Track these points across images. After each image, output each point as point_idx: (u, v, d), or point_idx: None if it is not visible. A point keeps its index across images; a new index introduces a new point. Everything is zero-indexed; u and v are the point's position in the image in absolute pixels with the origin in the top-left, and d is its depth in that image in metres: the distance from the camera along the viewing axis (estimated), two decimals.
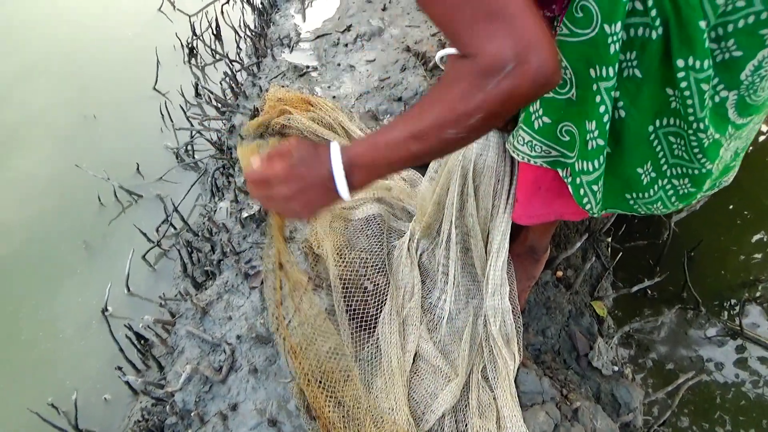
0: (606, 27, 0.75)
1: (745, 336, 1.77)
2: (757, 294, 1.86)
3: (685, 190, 0.91)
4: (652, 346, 1.77)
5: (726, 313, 1.83)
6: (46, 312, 1.76)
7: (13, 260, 1.88)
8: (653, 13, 0.73)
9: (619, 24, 0.74)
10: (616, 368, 1.27)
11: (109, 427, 1.51)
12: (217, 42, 2.58)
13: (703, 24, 0.71)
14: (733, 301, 1.85)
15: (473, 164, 1.09)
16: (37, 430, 1.46)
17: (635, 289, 1.65)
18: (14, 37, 2.76)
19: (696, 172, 0.86)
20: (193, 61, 2.58)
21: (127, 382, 1.47)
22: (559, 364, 1.27)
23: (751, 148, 2.25)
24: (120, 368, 1.49)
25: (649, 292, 1.88)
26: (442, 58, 1.11)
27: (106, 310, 1.70)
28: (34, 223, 1.97)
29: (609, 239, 1.90)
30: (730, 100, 0.80)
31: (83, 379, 1.59)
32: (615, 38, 0.75)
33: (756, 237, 2.04)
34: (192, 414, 1.16)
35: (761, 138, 2.38)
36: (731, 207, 2.12)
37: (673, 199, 0.93)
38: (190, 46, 2.57)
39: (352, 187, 0.71)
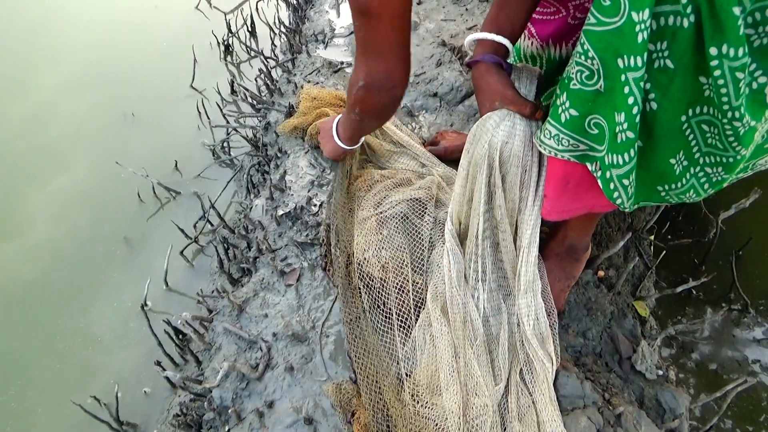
0: (634, 15, 0.72)
1: None
2: None
3: (718, 177, 0.87)
4: (697, 349, 1.71)
5: None
6: (87, 307, 1.80)
7: (56, 256, 1.93)
8: (684, 0, 0.69)
9: (647, 11, 0.71)
10: (660, 372, 1.23)
11: (148, 419, 1.54)
12: (252, 39, 2.60)
13: (737, 10, 0.67)
14: None
15: (499, 152, 1.06)
16: (81, 422, 1.51)
17: (680, 289, 1.59)
18: (54, 37, 2.82)
19: (731, 159, 0.82)
20: (228, 58, 2.60)
21: (166, 377, 1.50)
22: (601, 368, 1.23)
23: None
24: (159, 363, 1.52)
25: (694, 292, 1.81)
26: (471, 43, 1.09)
27: (146, 305, 1.73)
28: (77, 220, 2.02)
29: (652, 237, 1.84)
30: None
31: (123, 373, 1.63)
32: (643, 26, 0.72)
33: None
34: (229, 410, 1.17)
35: None
36: None
37: (706, 186, 0.89)
38: (225, 43, 2.59)
39: (345, 143, 1.42)
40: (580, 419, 1.04)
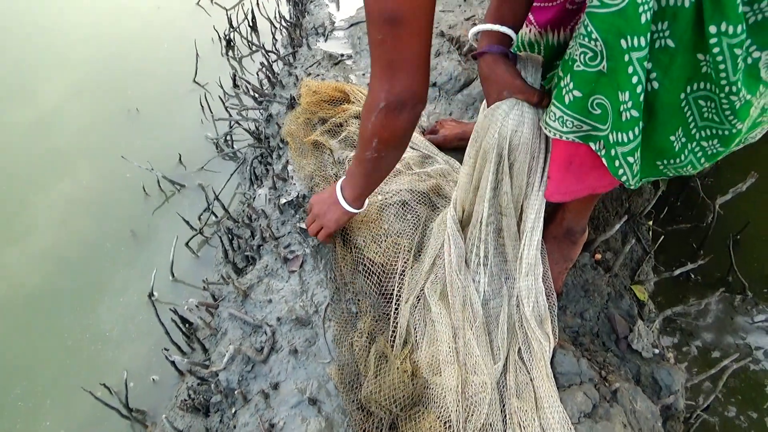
0: None
1: None
2: None
3: (714, 150, 0.90)
4: (696, 332, 1.74)
5: None
6: (94, 304, 1.84)
7: (62, 255, 1.96)
8: None
9: None
10: (656, 351, 1.25)
11: (157, 405, 1.57)
12: (253, 34, 2.63)
13: None
14: None
15: (509, 141, 1.08)
16: (91, 409, 1.54)
17: (677, 272, 1.61)
18: (57, 41, 2.85)
19: (726, 132, 0.85)
20: (230, 53, 2.63)
21: (173, 363, 1.54)
22: (598, 347, 1.26)
23: None
24: (166, 350, 1.55)
25: (693, 276, 1.84)
26: (475, 35, 1.11)
27: (153, 295, 1.76)
28: (83, 218, 2.05)
29: (650, 222, 1.86)
30: (763, 60, 0.79)
31: (132, 361, 1.66)
32: (646, 7, 0.74)
33: None
34: (236, 392, 1.20)
35: None
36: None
37: (702, 160, 0.92)
38: (227, 38, 2.62)
39: (352, 206, 1.27)
40: (577, 395, 1.06)
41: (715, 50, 0.75)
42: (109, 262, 1.92)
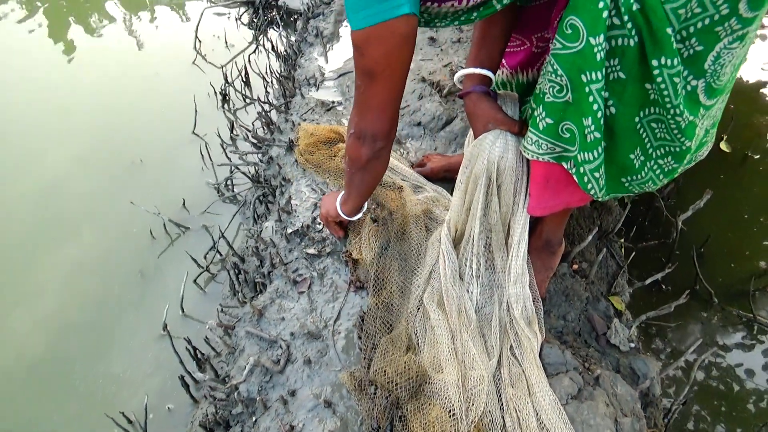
0: (591, 39, 0.93)
1: (757, 322, 1.88)
2: (767, 283, 1.98)
3: (669, 167, 1.08)
4: (671, 337, 1.89)
5: (738, 302, 1.95)
6: (111, 335, 1.94)
7: (78, 291, 2.07)
8: (629, 25, 0.91)
9: (602, 36, 0.92)
10: (632, 345, 1.40)
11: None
12: (246, 88, 2.83)
13: (669, 30, 0.89)
14: (746, 291, 1.96)
15: (497, 166, 1.26)
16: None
17: (648, 281, 1.78)
18: (62, 101, 3.02)
19: (677, 149, 1.03)
20: (225, 106, 2.82)
21: (188, 389, 1.64)
22: (581, 344, 1.40)
23: (750, 153, 2.40)
24: (182, 377, 1.65)
25: (664, 287, 2.01)
26: (459, 78, 1.30)
27: (166, 327, 1.87)
28: (98, 253, 2.17)
29: (622, 240, 2.05)
30: (700, 87, 0.98)
31: (148, 392, 1.75)
32: (600, 48, 0.93)
33: (762, 230, 2.17)
34: (256, 401, 1.31)
35: (765, 143, 2.53)
36: (736, 204, 2.26)
37: (661, 176, 1.10)
38: (223, 92, 2.82)
39: (341, 209, 1.49)
40: (563, 380, 1.20)
41: (659, 80, 0.94)
42: (118, 307, 2.03)
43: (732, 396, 1.76)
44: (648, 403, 1.36)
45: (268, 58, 3.01)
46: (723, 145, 2.50)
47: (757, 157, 2.45)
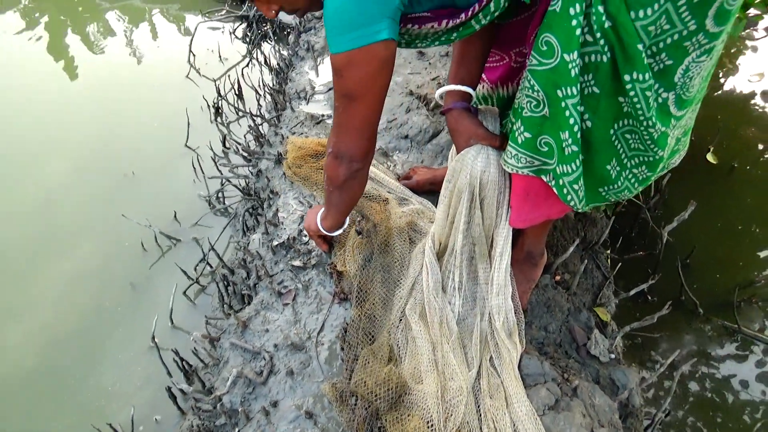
0: (565, 56, 0.95)
1: (742, 333, 1.89)
2: (752, 294, 1.99)
3: (644, 175, 1.11)
4: (656, 347, 1.90)
5: (724, 313, 1.96)
6: (101, 347, 1.95)
7: (70, 303, 2.09)
8: (601, 42, 0.93)
9: (576, 53, 0.95)
10: (612, 356, 1.41)
11: None
12: (239, 101, 2.86)
13: (640, 46, 0.92)
14: (731, 301, 1.97)
15: (479, 180, 1.28)
16: None
17: (633, 292, 1.79)
18: (56, 118, 3.05)
19: (651, 158, 1.06)
20: (219, 119, 2.85)
21: (174, 400, 1.65)
22: (561, 355, 1.41)
23: (737, 164, 2.43)
24: (169, 388, 1.66)
25: (650, 297, 2.02)
26: (441, 95, 1.33)
27: (154, 339, 1.88)
28: (89, 266, 2.19)
29: (608, 251, 2.06)
30: (671, 99, 1.00)
31: (134, 403, 1.76)
32: (574, 64, 0.95)
33: (748, 241, 2.19)
34: (239, 412, 1.32)
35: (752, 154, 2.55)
36: (722, 215, 2.28)
37: (636, 184, 1.13)
38: (215, 106, 2.85)
39: (327, 230, 1.50)
40: (541, 391, 1.21)
41: (631, 93, 0.97)
42: (110, 319, 2.04)
43: (717, 406, 1.77)
44: (628, 414, 1.37)
45: (261, 71, 3.04)
46: (710, 157, 2.52)
47: (744, 168, 2.48)
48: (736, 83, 2.99)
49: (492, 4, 1.04)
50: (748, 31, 3.28)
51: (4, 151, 2.80)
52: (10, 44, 3.67)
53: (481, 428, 1.19)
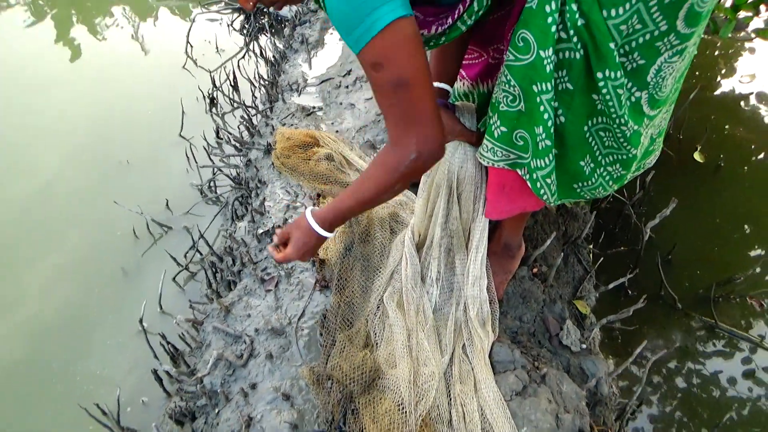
0: (541, 52, 0.98)
1: (719, 328, 1.92)
2: (730, 291, 2.03)
3: (618, 174, 1.14)
4: (632, 340, 1.93)
5: (702, 309, 1.99)
6: (91, 333, 1.99)
7: (62, 289, 2.13)
8: (575, 39, 0.96)
9: (551, 49, 0.97)
10: (584, 346, 1.45)
11: (147, 424, 1.71)
12: (234, 92, 2.89)
13: (612, 45, 0.95)
14: (710, 297, 2.01)
15: (456, 175, 1.32)
16: (87, 427, 1.68)
17: (611, 286, 1.83)
18: (52, 106, 3.09)
19: (624, 157, 1.09)
20: (213, 110, 2.89)
21: (161, 382, 1.69)
22: (534, 344, 1.45)
23: (724, 164, 2.46)
24: (155, 371, 1.70)
25: (630, 292, 2.05)
26: None
27: (142, 322, 1.92)
28: (82, 254, 2.23)
29: (590, 246, 2.10)
30: (643, 98, 1.03)
31: (123, 386, 1.80)
32: (549, 60, 0.98)
33: (728, 239, 2.22)
34: (219, 393, 1.37)
35: (739, 154, 2.58)
36: (705, 213, 2.31)
37: (610, 182, 1.16)
38: (211, 96, 2.88)
39: (327, 230, 1.25)
40: (509, 377, 1.25)
41: (604, 91, 1.00)
42: (100, 305, 2.08)
43: (694, 398, 1.80)
44: (597, 402, 1.41)
45: (257, 63, 3.07)
46: (697, 156, 2.55)
47: (730, 167, 2.51)
48: (728, 84, 3.01)
49: (476, 3, 1.04)
50: (743, 33, 3.30)
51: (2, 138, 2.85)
52: (13, 33, 3.71)
53: (450, 412, 1.23)
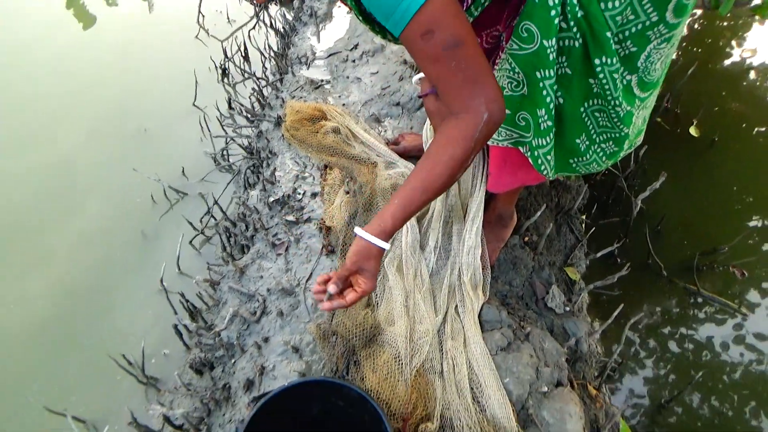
0: (545, 42, 1.07)
1: (701, 294, 2.05)
2: (714, 260, 2.14)
3: (611, 150, 1.24)
4: (617, 305, 2.07)
5: (687, 277, 2.12)
6: (115, 293, 2.15)
7: (85, 249, 2.28)
8: (574, 29, 1.05)
9: (554, 39, 1.06)
10: (567, 308, 1.58)
11: (169, 373, 1.88)
12: (245, 62, 2.98)
13: (608, 34, 1.04)
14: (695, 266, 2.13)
15: None
16: (113, 382, 1.85)
17: (600, 254, 1.95)
18: (72, 78, 3.20)
19: (617, 135, 1.20)
20: (225, 80, 2.99)
21: (180, 336, 1.85)
22: (522, 306, 1.59)
23: (718, 138, 2.53)
24: (176, 326, 1.86)
25: (620, 260, 2.18)
26: (417, 81, 1.46)
27: (162, 283, 2.08)
28: (104, 218, 2.37)
29: (584, 217, 2.21)
30: (634, 81, 1.13)
31: (146, 340, 1.96)
32: (552, 49, 1.07)
33: (716, 212, 2.32)
34: (235, 346, 1.52)
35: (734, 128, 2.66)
36: (696, 186, 2.41)
37: (604, 158, 1.26)
38: (222, 67, 2.98)
39: (386, 240, 1.09)
40: (495, 335, 1.39)
41: (600, 75, 1.09)
42: (123, 266, 2.23)
43: (670, 357, 1.94)
44: (577, 359, 1.55)
45: (267, 34, 3.15)
46: (692, 130, 2.63)
47: (724, 142, 2.58)
48: (729, 58, 3.06)
49: None
50: (745, 8, 3.32)
51: (23, 108, 2.97)
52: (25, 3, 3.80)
53: (441, 364, 1.38)
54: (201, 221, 2.30)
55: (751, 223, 2.28)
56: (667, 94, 2.70)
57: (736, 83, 2.94)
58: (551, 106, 1.14)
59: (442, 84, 0.98)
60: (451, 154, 1.02)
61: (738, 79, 2.96)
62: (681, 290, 2.10)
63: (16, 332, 2.04)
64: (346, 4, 1.09)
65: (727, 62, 3.04)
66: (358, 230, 1.10)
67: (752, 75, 2.97)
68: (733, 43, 3.17)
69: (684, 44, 3.22)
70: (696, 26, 3.44)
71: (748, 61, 3.03)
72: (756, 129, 2.67)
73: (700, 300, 2.06)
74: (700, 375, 1.82)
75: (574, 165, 1.30)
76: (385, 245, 1.09)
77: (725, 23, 3.31)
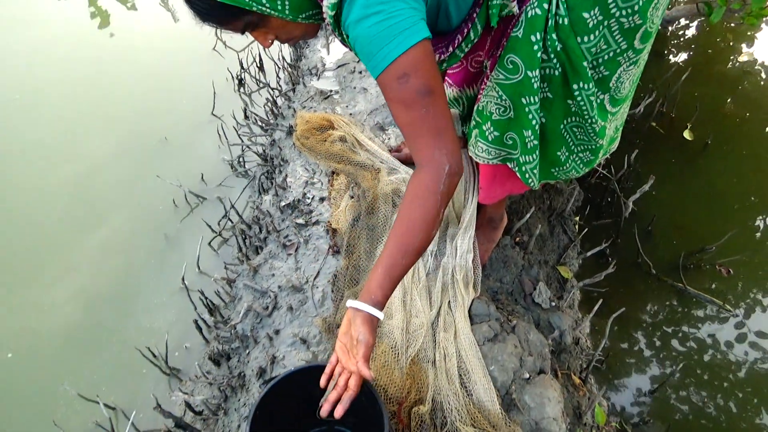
0: (529, 72, 1.20)
1: (687, 291, 2.17)
2: (700, 260, 2.26)
3: (588, 159, 1.39)
4: (611, 302, 2.19)
5: (674, 275, 2.23)
6: (137, 288, 2.33)
7: (112, 254, 2.47)
8: (554, 61, 1.19)
9: (537, 70, 1.19)
10: (553, 303, 1.72)
11: (190, 365, 2.05)
12: (260, 73, 3.15)
13: (585, 63, 1.18)
14: (684, 265, 2.24)
15: None
16: (141, 369, 2.02)
17: (590, 253, 2.08)
18: (99, 90, 3.41)
19: (593, 146, 1.34)
20: (241, 89, 3.16)
21: (200, 330, 2.02)
22: (510, 302, 1.73)
23: (711, 141, 2.63)
24: (195, 321, 2.03)
25: (611, 260, 2.30)
26: None
27: (184, 281, 2.25)
28: (129, 222, 2.56)
29: (577, 218, 2.34)
30: (606, 99, 1.28)
31: (171, 337, 2.12)
32: (535, 78, 1.21)
33: (705, 213, 2.44)
34: (249, 337, 1.68)
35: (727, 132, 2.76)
36: (687, 189, 2.52)
37: (582, 166, 1.41)
38: (239, 77, 3.16)
39: (381, 309, 1.09)
40: (483, 327, 1.54)
41: (579, 98, 1.24)
42: (146, 267, 2.39)
43: (655, 349, 2.06)
44: (562, 350, 1.68)
45: (281, 46, 3.32)
46: (686, 134, 2.74)
47: (717, 145, 2.69)
48: (724, 63, 3.16)
49: (471, 32, 1.21)
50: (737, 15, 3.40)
51: (52, 117, 3.17)
52: (47, 8, 4.02)
53: (434, 354, 1.53)
54: (219, 224, 2.47)
55: (739, 224, 2.38)
56: (661, 99, 2.82)
57: (731, 88, 3.04)
58: (536, 127, 1.28)
59: (410, 130, 1.02)
60: (420, 213, 1.04)
61: (733, 83, 3.06)
62: (668, 287, 2.21)
63: (53, 333, 2.22)
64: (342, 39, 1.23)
65: (721, 67, 3.13)
66: (350, 302, 1.09)
67: (746, 79, 3.06)
68: (727, 48, 3.26)
69: (678, 50, 3.32)
70: (690, 32, 3.54)
71: (741, 66, 3.12)
72: (748, 131, 2.77)
73: (686, 296, 2.18)
74: (680, 366, 1.94)
75: (555, 173, 1.45)
76: (379, 314, 1.08)
77: (718, 29, 3.40)
